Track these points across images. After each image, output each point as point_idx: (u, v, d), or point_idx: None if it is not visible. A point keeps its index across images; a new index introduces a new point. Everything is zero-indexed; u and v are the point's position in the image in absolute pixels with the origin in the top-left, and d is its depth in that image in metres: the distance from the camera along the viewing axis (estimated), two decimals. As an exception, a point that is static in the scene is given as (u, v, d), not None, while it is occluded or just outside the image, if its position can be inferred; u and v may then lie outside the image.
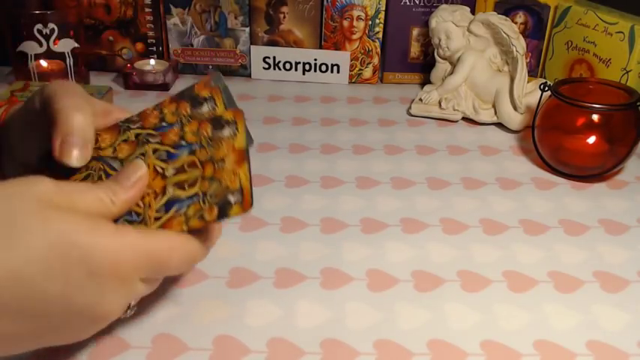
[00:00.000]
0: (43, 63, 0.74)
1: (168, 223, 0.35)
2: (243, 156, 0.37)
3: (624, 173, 0.62)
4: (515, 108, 0.70)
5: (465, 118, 0.74)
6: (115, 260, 0.30)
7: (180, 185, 0.36)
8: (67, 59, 0.74)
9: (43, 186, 0.30)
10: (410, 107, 0.75)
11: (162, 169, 0.37)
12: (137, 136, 0.38)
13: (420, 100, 0.75)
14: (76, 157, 0.35)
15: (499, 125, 0.72)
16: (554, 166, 0.61)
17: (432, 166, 0.62)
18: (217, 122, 0.38)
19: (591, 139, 0.60)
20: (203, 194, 0.35)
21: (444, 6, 0.75)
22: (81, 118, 0.35)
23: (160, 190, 0.36)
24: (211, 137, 0.38)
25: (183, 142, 0.38)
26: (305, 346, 0.38)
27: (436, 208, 0.54)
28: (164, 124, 0.39)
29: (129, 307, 0.34)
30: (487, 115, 0.72)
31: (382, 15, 0.80)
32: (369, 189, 0.57)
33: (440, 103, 0.74)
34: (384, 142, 0.67)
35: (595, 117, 0.59)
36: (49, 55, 0.73)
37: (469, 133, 0.70)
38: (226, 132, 0.38)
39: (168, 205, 0.35)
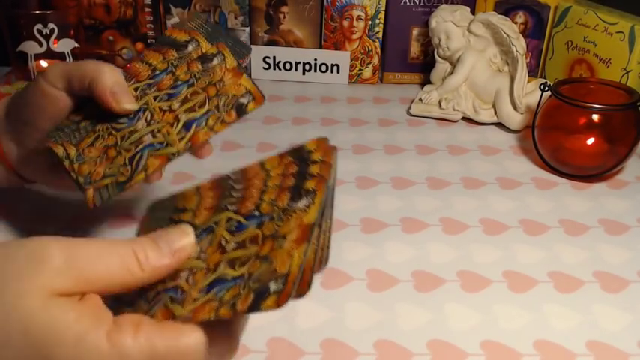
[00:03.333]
0: (43, 63, 0.74)
1: (194, 138, 0.38)
2: (238, 71, 0.40)
3: (624, 173, 0.62)
4: (515, 108, 0.70)
5: (465, 118, 0.74)
6: None
7: (191, 109, 0.38)
8: (67, 59, 0.74)
9: (49, 272, 0.26)
10: (410, 107, 0.75)
11: (168, 106, 0.40)
12: (136, 89, 0.41)
13: (420, 100, 0.75)
14: (130, 101, 0.40)
15: (499, 125, 0.72)
16: (555, 166, 0.61)
17: (432, 166, 0.62)
18: (205, 58, 0.42)
19: (591, 139, 0.60)
20: (248, 276, 0.29)
21: (444, 6, 0.75)
22: (115, 71, 0.40)
23: (174, 119, 0.38)
24: (203, 69, 0.41)
25: (179, 82, 0.41)
26: (305, 346, 0.38)
27: (436, 208, 0.54)
28: (157, 72, 0.42)
29: None
30: (487, 115, 0.72)
31: (382, 15, 0.80)
32: (369, 189, 0.57)
33: (440, 103, 0.74)
34: (384, 142, 0.67)
35: (595, 117, 0.59)
36: (49, 55, 0.73)
37: (469, 133, 0.70)
38: (215, 61, 0.42)
39: (211, 286, 0.30)
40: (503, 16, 0.71)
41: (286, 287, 0.28)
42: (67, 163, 0.39)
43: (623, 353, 0.38)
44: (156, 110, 0.41)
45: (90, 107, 0.41)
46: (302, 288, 0.28)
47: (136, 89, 0.42)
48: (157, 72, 0.43)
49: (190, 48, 0.43)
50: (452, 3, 0.79)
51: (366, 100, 0.79)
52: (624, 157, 0.59)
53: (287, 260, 0.29)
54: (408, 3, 0.80)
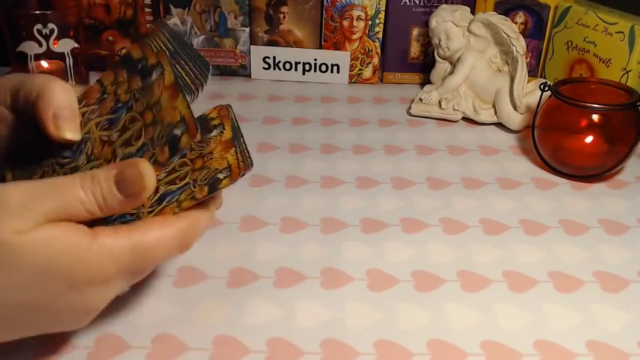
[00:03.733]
0: (43, 63, 0.74)
1: (162, 212, 0.36)
2: (176, 89, 0.37)
3: (624, 173, 0.62)
4: (515, 108, 0.70)
5: (465, 118, 0.74)
6: (94, 273, 0.31)
7: (171, 182, 0.37)
8: (67, 59, 0.74)
9: (9, 218, 0.29)
10: (410, 107, 0.75)
11: (107, 136, 0.37)
12: (82, 115, 0.38)
13: (420, 100, 0.75)
14: (71, 129, 0.35)
15: (499, 125, 0.72)
16: (554, 166, 0.61)
17: (432, 166, 0.62)
18: (145, 71, 0.38)
19: (591, 139, 0.60)
20: (193, 181, 0.37)
21: (443, 6, 0.75)
22: (67, 90, 0.35)
23: (111, 155, 0.36)
24: (142, 87, 0.38)
25: (120, 104, 0.38)
26: (305, 346, 0.38)
27: (436, 208, 0.54)
28: (105, 95, 0.38)
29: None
30: (487, 115, 0.72)
31: (382, 15, 0.80)
32: (369, 189, 0.57)
33: (440, 103, 0.74)
34: (384, 142, 0.67)
35: (595, 117, 0.59)
36: (49, 55, 0.73)
37: (469, 133, 0.70)
38: (154, 76, 0.38)
39: (161, 200, 0.36)
40: (503, 16, 0.71)
41: (189, 125, 0.34)
42: None
43: (623, 353, 0.38)
44: (96, 142, 0.37)
45: (35, 140, 0.37)
46: (245, 169, 0.37)
47: (83, 114, 0.37)
48: (105, 95, 0.38)
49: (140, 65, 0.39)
50: (452, 3, 0.79)
51: (366, 100, 0.79)
52: (624, 157, 0.59)
53: (174, 112, 0.35)
54: (408, 3, 0.80)
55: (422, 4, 0.80)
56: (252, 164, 0.39)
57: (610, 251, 0.49)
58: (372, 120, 0.73)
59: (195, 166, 0.38)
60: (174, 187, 0.37)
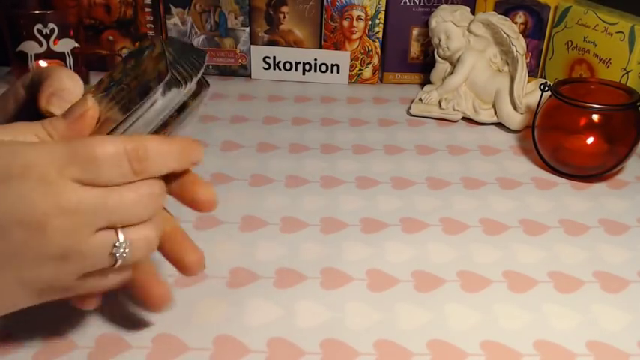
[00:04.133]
0: (43, 63, 0.74)
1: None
2: (161, 57, 0.38)
3: (624, 173, 0.62)
4: (515, 108, 0.70)
5: (465, 118, 0.74)
6: (25, 163, 0.29)
7: (111, 108, 0.37)
8: (67, 59, 0.74)
9: None
10: (410, 107, 0.75)
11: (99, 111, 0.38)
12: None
13: (420, 100, 0.75)
14: (59, 107, 0.36)
15: (499, 125, 0.72)
16: (554, 166, 0.61)
17: (432, 166, 0.62)
18: (138, 52, 0.40)
19: (591, 139, 0.60)
20: (129, 100, 0.36)
21: (443, 6, 0.75)
22: (73, 80, 0.37)
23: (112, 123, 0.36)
24: (134, 65, 0.39)
25: (112, 82, 0.39)
26: (305, 346, 0.38)
27: (436, 208, 0.54)
28: (112, 82, 0.39)
29: (117, 240, 0.31)
30: (487, 115, 0.72)
31: (382, 15, 0.80)
32: (369, 189, 0.57)
33: (440, 103, 0.74)
34: (384, 142, 0.67)
35: (595, 117, 0.59)
36: (49, 55, 0.73)
37: (469, 133, 0.70)
38: (145, 53, 0.39)
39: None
40: (503, 16, 0.71)
41: (160, 74, 0.35)
42: None
43: (623, 353, 0.38)
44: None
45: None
46: (185, 80, 0.36)
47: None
48: (112, 82, 0.40)
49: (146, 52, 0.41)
50: (452, 3, 0.79)
51: (366, 100, 0.79)
52: (624, 157, 0.59)
53: (152, 73, 0.36)
54: (408, 3, 0.80)
55: (422, 4, 0.80)
56: (207, 84, 0.38)
57: (610, 251, 0.49)
58: (372, 120, 0.73)
59: (131, 86, 0.37)
60: (115, 109, 0.36)
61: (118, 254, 0.31)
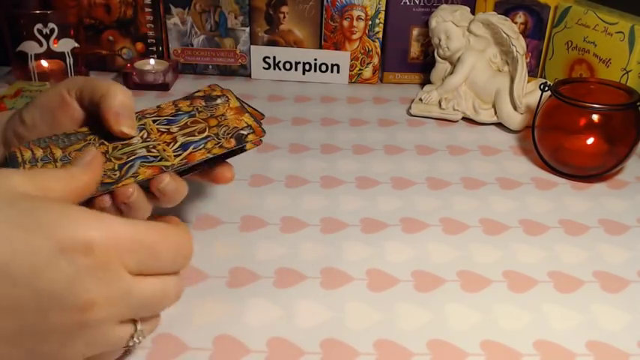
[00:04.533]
0: (43, 63, 0.74)
1: (190, 157, 0.40)
2: (241, 110, 0.44)
3: (624, 173, 0.62)
4: (515, 108, 0.70)
5: (465, 118, 0.74)
6: (89, 239, 0.27)
7: (190, 134, 0.42)
8: (67, 59, 0.74)
9: (15, 178, 0.30)
10: (410, 107, 0.75)
11: (167, 129, 0.42)
12: (137, 114, 0.43)
13: (420, 100, 0.75)
14: (130, 126, 0.41)
15: (499, 125, 0.72)
16: (554, 166, 0.61)
17: (432, 166, 0.62)
18: (209, 98, 0.45)
19: (591, 139, 0.60)
20: (215, 135, 0.41)
21: (443, 6, 0.75)
22: (126, 93, 0.41)
23: (171, 139, 0.41)
24: (206, 105, 0.44)
25: (180, 112, 0.44)
26: (305, 346, 0.38)
27: (436, 208, 0.54)
28: (179, 112, 0.44)
29: (135, 332, 0.31)
30: (487, 115, 0.72)
31: (382, 15, 0.80)
32: (369, 189, 0.57)
33: (440, 103, 0.74)
34: (384, 142, 0.67)
35: (595, 117, 0.59)
36: (49, 54, 0.73)
37: (469, 133, 0.70)
38: (219, 101, 0.45)
39: (185, 147, 0.40)
40: (503, 16, 0.71)
41: (255, 129, 0.42)
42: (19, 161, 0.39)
43: (623, 353, 0.38)
44: (153, 131, 0.42)
45: (89, 125, 0.42)
46: (264, 132, 0.42)
47: (137, 114, 0.43)
48: (180, 112, 0.44)
49: (219, 101, 0.45)
50: (452, 3, 0.79)
51: (366, 100, 0.79)
52: (624, 157, 0.59)
53: (240, 122, 0.42)
54: (408, 3, 0.80)
55: (422, 4, 0.80)
56: (264, 132, 0.42)
57: (610, 251, 0.49)
58: (372, 120, 0.73)
59: (209, 123, 0.42)
60: (195, 137, 0.41)
61: (131, 344, 0.31)
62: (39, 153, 0.40)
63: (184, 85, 0.81)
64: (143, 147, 0.41)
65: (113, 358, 0.34)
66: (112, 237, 0.28)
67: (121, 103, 0.40)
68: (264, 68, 0.83)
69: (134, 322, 0.31)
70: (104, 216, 0.29)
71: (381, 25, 0.81)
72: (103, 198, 0.37)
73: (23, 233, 0.27)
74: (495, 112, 0.72)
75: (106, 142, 0.41)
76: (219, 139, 0.41)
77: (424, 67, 0.83)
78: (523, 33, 0.79)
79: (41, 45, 0.72)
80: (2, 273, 0.26)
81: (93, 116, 0.41)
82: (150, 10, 0.81)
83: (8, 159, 0.40)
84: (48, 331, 0.28)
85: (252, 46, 0.82)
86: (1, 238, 0.27)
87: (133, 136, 0.41)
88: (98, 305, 0.28)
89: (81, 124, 0.42)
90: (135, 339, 0.31)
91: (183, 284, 0.33)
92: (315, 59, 0.83)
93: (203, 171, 0.43)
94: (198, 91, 0.47)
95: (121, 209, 0.38)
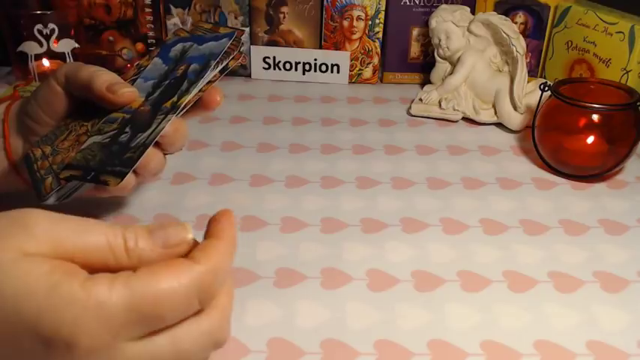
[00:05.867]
0: (44, 63, 0.74)
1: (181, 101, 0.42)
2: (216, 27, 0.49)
3: (624, 173, 0.62)
4: (515, 108, 0.70)
5: (465, 118, 0.74)
6: (72, 341, 0.25)
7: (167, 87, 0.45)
8: (68, 59, 0.74)
9: (27, 236, 0.26)
10: (410, 107, 0.75)
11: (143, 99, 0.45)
12: None
13: (420, 100, 0.75)
14: (128, 88, 0.43)
15: (499, 125, 0.72)
16: (555, 166, 0.61)
17: (432, 166, 0.62)
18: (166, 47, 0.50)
19: (591, 139, 0.60)
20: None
21: (443, 6, 0.75)
22: (110, 73, 0.43)
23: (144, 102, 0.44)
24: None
25: (142, 68, 0.47)
26: (305, 346, 0.38)
27: (436, 208, 0.54)
28: (141, 68, 0.48)
29: None
30: (487, 115, 0.72)
31: (382, 15, 0.80)
32: (369, 189, 0.57)
33: (440, 103, 0.74)
34: (384, 142, 0.67)
35: (595, 117, 0.59)
36: (50, 55, 0.73)
37: (469, 133, 0.70)
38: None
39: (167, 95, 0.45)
40: (503, 16, 0.71)
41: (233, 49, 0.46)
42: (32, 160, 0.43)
43: (624, 353, 0.38)
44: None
45: (75, 113, 0.45)
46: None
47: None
48: (142, 68, 0.47)
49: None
50: (452, 3, 0.79)
51: (366, 100, 0.79)
52: (624, 157, 0.59)
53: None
54: (408, 3, 0.80)
55: (422, 4, 0.80)
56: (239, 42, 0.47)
57: (610, 251, 0.49)
58: (372, 120, 0.73)
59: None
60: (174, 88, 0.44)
61: None
62: (47, 150, 0.43)
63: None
64: (122, 112, 0.43)
65: None
66: (101, 324, 0.25)
67: (110, 77, 0.43)
68: (264, 68, 0.83)
69: None
70: (92, 295, 0.25)
71: (381, 25, 0.81)
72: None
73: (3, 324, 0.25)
74: (495, 112, 0.72)
75: (84, 123, 0.43)
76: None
77: (424, 67, 0.83)
78: (523, 33, 0.79)
79: (41, 45, 0.72)
80: None
81: (81, 102, 0.44)
82: (150, 10, 0.81)
83: (25, 160, 0.44)
84: None
85: (252, 46, 0.82)
86: None
87: (135, 100, 0.43)
88: None
89: (69, 110, 0.45)
90: None
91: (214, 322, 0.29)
92: (315, 59, 0.83)
93: (195, 105, 0.45)
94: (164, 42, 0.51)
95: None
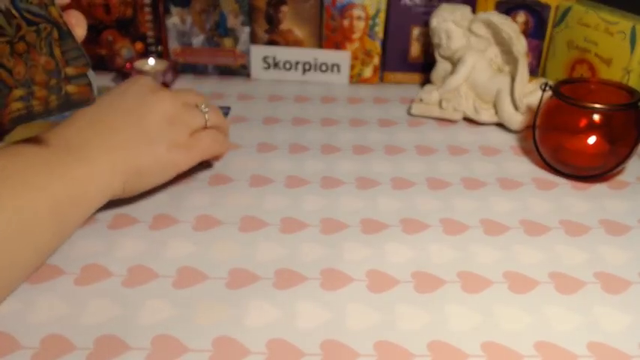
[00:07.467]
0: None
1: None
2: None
3: (625, 174, 0.62)
4: (515, 108, 0.70)
5: (466, 118, 0.73)
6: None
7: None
8: (67, 59, 0.74)
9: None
10: (410, 107, 0.75)
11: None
12: None
13: (421, 100, 0.75)
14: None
15: (500, 125, 0.72)
16: (555, 167, 0.61)
17: (432, 166, 0.62)
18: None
19: (592, 140, 0.60)
20: None
21: (444, 5, 0.75)
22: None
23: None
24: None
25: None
26: (305, 347, 0.38)
27: (436, 208, 0.54)
28: None
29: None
30: (488, 115, 0.72)
31: (382, 15, 0.80)
32: (369, 189, 0.57)
33: (440, 103, 0.74)
34: (384, 142, 0.67)
35: (596, 117, 0.59)
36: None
37: (469, 133, 0.70)
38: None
39: None
40: (504, 16, 0.71)
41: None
42: None
43: (625, 355, 0.38)
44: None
45: None
46: None
47: None
48: None
49: None
50: (452, 2, 0.79)
51: (366, 100, 0.79)
52: (625, 158, 0.58)
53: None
54: (408, 3, 0.80)
55: (422, 3, 0.80)
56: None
57: (611, 252, 0.49)
58: (372, 120, 0.72)
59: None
60: None
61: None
62: None
63: (184, 85, 0.81)
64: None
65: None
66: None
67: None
68: (264, 68, 0.83)
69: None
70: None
71: (382, 25, 0.81)
72: None
73: None
74: (496, 112, 0.72)
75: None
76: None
77: (424, 67, 0.83)
78: (524, 33, 0.79)
79: (40, 45, 0.72)
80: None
81: None
82: (149, 9, 0.80)
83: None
84: (155, 132, 0.51)
85: (252, 46, 0.82)
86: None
87: None
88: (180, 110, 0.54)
89: None
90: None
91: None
92: (315, 59, 0.82)
93: None
94: None
95: None
